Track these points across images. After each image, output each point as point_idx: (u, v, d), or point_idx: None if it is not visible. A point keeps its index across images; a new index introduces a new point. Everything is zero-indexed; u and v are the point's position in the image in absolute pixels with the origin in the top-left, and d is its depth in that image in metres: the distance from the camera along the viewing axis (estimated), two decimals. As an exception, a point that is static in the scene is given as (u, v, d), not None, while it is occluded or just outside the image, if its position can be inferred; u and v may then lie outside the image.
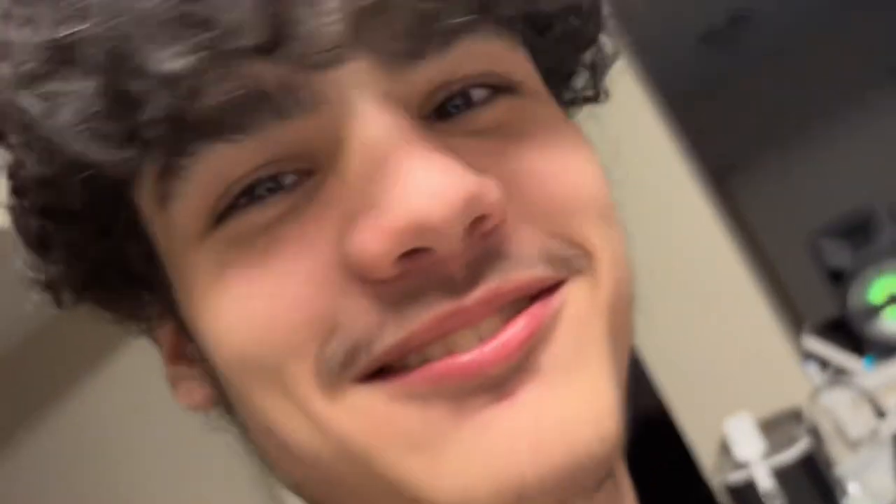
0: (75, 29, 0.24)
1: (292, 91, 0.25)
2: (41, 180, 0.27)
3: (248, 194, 0.27)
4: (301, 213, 0.26)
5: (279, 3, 0.23)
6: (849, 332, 1.87)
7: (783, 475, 1.57)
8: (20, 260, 0.32)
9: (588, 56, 0.35)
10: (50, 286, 0.32)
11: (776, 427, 1.73)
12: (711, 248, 1.90)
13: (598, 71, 0.36)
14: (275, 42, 0.23)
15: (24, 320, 1.91)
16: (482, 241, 0.25)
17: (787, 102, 2.99)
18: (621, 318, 0.29)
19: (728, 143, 2.93)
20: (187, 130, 0.25)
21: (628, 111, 1.94)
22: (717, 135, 2.68)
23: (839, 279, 1.85)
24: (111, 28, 0.23)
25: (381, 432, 0.26)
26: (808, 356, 1.89)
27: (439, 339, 0.26)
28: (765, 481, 1.57)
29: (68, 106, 0.24)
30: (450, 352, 0.26)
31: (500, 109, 0.29)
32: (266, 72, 0.24)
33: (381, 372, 0.26)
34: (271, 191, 0.27)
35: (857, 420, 1.77)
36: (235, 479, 2.01)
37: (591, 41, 0.34)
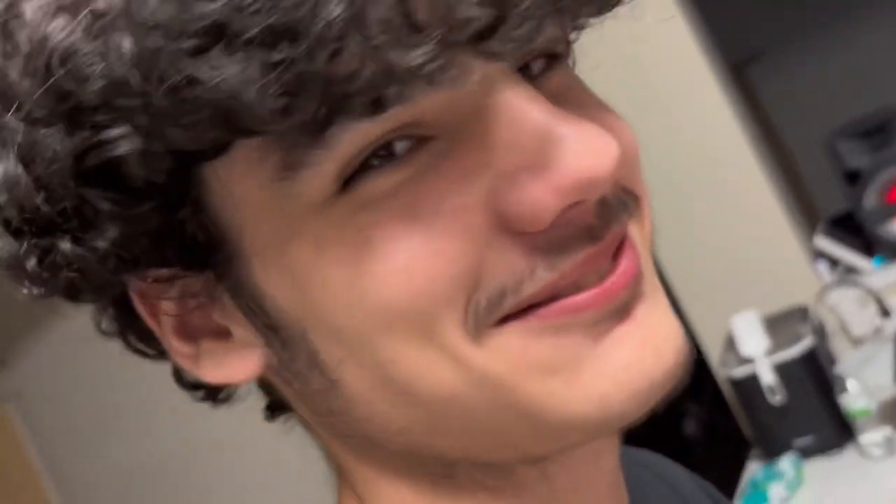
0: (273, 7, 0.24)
1: (447, 69, 0.26)
2: (142, 154, 0.26)
3: (377, 156, 0.28)
4: (436, 174, 0.29)
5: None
6: (860, 232, 1.89)
7: (786, 371, 1.63)
8: None
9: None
10: (49, 270, 0.30)
11: (783, 324, 1.77)
12: (727, 143, 1.90)
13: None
14: (494, 29, 0.26)
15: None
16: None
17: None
18: (653, 249, 0.35)
19: (748, 35, 2.86)
20: (370, 111, 0.26)
21: (646, 2, 1.90)
22: (737, 26, 2.61)
23: (855, 180, 1.86)
24: (329, 24, 0.24)
25: (520, 364, 0.30)
26: (819, 255, 1.92)
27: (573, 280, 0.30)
28: (767, 376, 1.63)
29: (256, 80, 0.24)
30: (579, 289, 0.30)
31: (558, 78, 0.32)
32: (458, 58, 0.26)
33: (517, 313, 0.30)
34: (386, 157, 0.28)
35: (861, 318, 1.82)
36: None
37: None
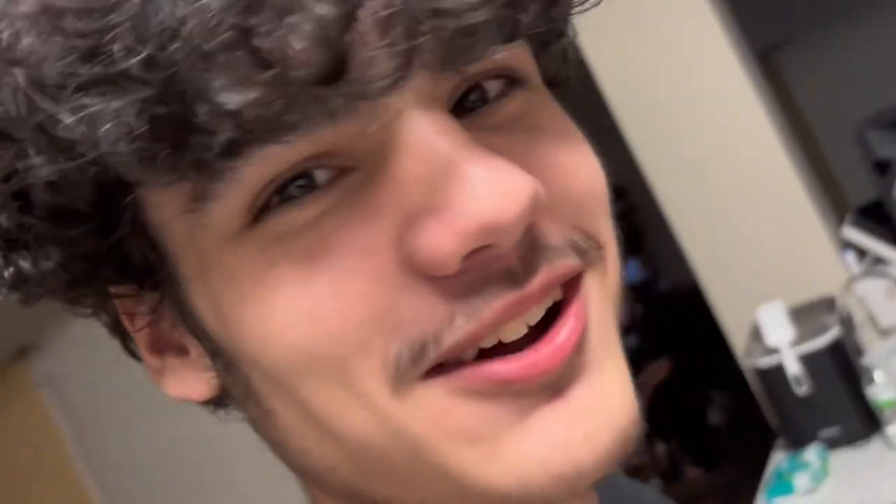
0: (127, 55, 0.23)
1: (349, 103, 0.25)
2: (52, 184, 0.26)
3: (282, 192, 0.27)
4: (348, 211, 0.27)
5: (336, 38, 0.23)
6: (889, 222, 1.88)
7: (812, 361, 1.63)
8: None
9: (561, 45, 0.36)
10: (20, 283, 0.31)
11: (809, 314, 1.77)
12: (755, 131, 1.89)
13: (567, 57, 0.37)
14: (334, 74, 0.24)
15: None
16: (527, 233, 0.27)
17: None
18: (619, 306, 0.32)
19: (777, 21, 2.84)
20: (239, 143, 0.25)
21: (679, -6, 1.90)
22: (765, 12, 2.59)
23: (885, 170, 1.84)
24: (167, 56, 0.23)
25: (441, 426, 0.28)
26: (846, 245, 1.91)
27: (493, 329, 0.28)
28: (793, 367, 1.63)
29: (110, 124, 0.24)
30: (499, 341, 0.28)
31: (514, 103, 0.30)
32: (325, 94, 0.25)
33: (441, 367, 0.28)
34: (304, 189, 0.27)
35: (889, 309, 1.81)
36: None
37: (564, 31, 0.35)
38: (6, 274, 0.31)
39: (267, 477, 2.39)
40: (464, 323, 0.27)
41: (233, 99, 0.23)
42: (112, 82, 0.23)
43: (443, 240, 0.26)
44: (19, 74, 0.24)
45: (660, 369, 3.45)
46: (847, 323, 1.76)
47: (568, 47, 0.37)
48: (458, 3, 0.25)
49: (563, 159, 0.30)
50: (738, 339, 1.95)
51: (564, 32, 0.35)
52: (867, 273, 1.85)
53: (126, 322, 0.33)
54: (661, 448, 3.40)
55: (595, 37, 1.96)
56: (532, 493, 0.28)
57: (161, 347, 0.34)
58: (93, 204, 0.28)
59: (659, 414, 3.38)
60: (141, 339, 0.34)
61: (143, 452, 2.59)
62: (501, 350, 0.28)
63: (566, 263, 0.29)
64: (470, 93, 0.29)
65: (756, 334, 1.78)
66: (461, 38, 0.25)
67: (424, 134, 0.26)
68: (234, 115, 0.23)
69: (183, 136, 0.24)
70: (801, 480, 1.56)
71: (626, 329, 3.98)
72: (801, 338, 1.66)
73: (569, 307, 0.29)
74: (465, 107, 0.29)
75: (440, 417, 0.28)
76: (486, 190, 0.25)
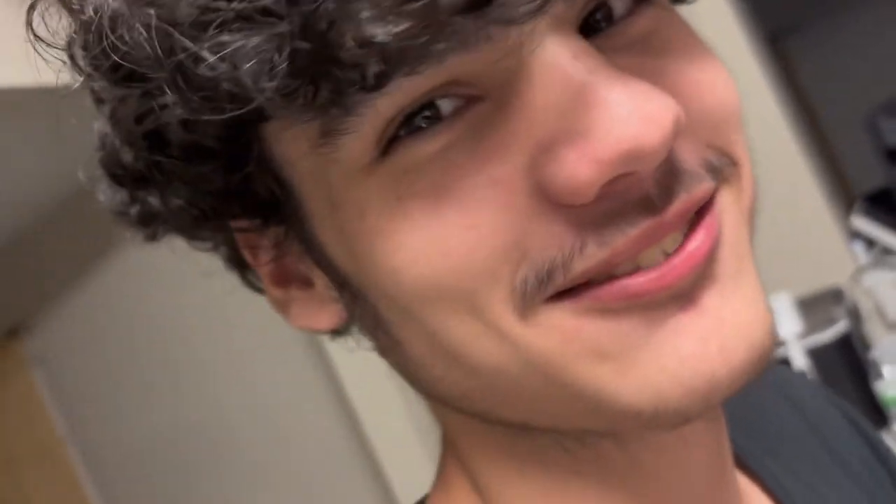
0: None
1: (483, 27, 0.25)
2: (185, 122, 0.27)
3: (409, 124, 0.27)
4: (476, 141, 0.27)
5: None
6: (899, 212, 1.84)
7: (819, 354, 1.60)
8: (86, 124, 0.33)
9: None
10: (147, 219, 0.32)
11: (816, 306, 1.73)
12: (763, 118, 1.85)
13: None
14: (484, 1, 0.23)
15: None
16: (666, 158, 0.26)
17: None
18: (754, 222, 0.32)
19: (787, 6, 2.79)
20: (385, 74, 0.24)
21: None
22: None
23: (895, 158, 1.80)
24: None
25: (571, 345, 0.28)
26: (855, 235, 1.88)
27: (630, 257, 0.27)
28: (799, 360, 1.59)
29: (253, 61, 0.23)
30: (637, 267, 0.27)
31: (642, 21, 0.29)
32: (472, 24, 0.24)
33: (571, 290, 0.28)
34: (431, 119, 0.27)
35: (898, 302, 1.77)
36: (283, 339, 2.09)
37: None
38: (132, 211, 0.32)
39: (261, 458, 2.37)
40: (596, 250, 0.27)
41: (381, 30, 0.22)
42: (252, 19, 0.23)
43: (581, 168, 0.25)
44: (155, 14, 0.24)
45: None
46: (855, 315, 1.73)
47: None
48: None
49: (696, 76, 0.29)
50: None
51: None
52: (875, 263, 1.81)
53: (248, 256, 0.34)
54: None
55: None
56: (667, 407, 0.28)
57: (285, 280, 0.34)
58: (223, 141, 0.28)
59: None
60: (264, 272, 0.34)
61: (136, 434, 2.57)
62: (637, 269, 0.28)
63: (703, 188, 0.28)
64: (596, 12, 0.28)
65: (761, 326, 1.75)
66: None
67: (558, 59, 0.25)
68: (382, 47, 0.23)
69: (326, 71, 0.23)
70: (805, 476, 1.53)
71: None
72: (808, 330, 1.63)
73: (701, 221, 0.28)
74: (592, 27, 0.28)
75: (570, 337, 0.28)
76: (627, 115, 0.24)
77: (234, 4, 0.23)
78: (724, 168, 0.29)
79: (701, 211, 0.29)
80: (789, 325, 1.64)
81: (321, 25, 0.23)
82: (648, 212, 0.27)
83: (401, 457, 2.04)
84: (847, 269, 1.83)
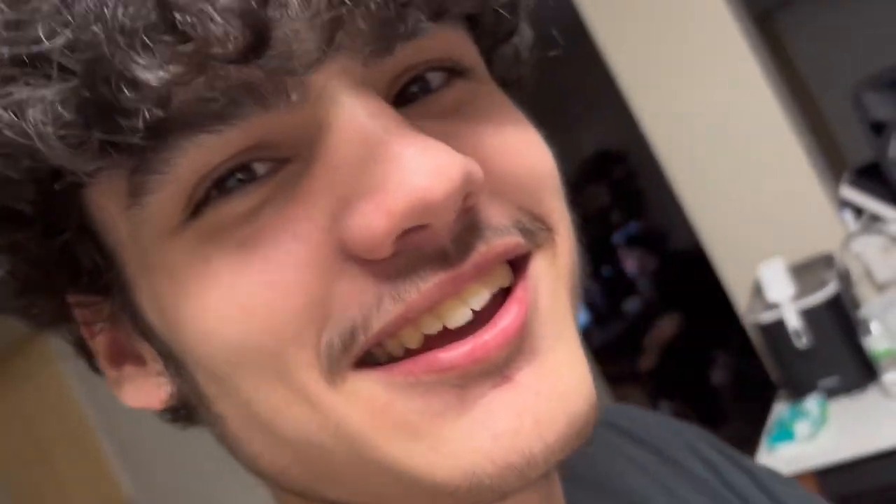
0: (50, 36, 0.23)
1: (277, 85, 0.25)
2: None
3: (221, 185, 0.26)
4: (283, 200, 0.27)
5: (256, 11, 0.23)
6: (885, 182, 1.93)
7: (811, 316, 1.69)
8: None
9: (511, 44, 0.36)
10: None
11: (809, 270, 1.83)
12: (753, 91, 1.93)
13: (520, 58, 0.37)
14: (255, 49, 0.23)
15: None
16: (465, 214, 0.27)
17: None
18: (575, 285, 0.32)
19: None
20: (168, 129, 0.24)
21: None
22: None
23: (881, 131, 1.89)
24: (89, 37, 0.23)
25: (382, 420, 0.27)
26: (844, 204, 1.97)
27: (431, 311, 0.27)
28: (793, 321, 1.69)
29: (38, 112, 0.23)
30: (443, 325, 0.28)
31: (456, 92, 0.30)
32: (249, 72, 0.24)
33: (379, 362, 0.28)
34: (243, 181, 0.27)
35: (885, 264, 1.87)
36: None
37: (513, 30, 0.35)
38: None
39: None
40: (391, 306, 0.26)
41: (154, 76, 0.23)
42: (37, 70, 0.23)
43: (374, 220, 0.25)
44: None
45: (667, 327, 3.53)
46: (845, 278, 1.83)
47: (521, 48, 0.36)
48: None
49: (506, 143, 0.30)
50: (740, 297, 2.01)
51: (514, 32, 0.35)
52: (864, 230, 1.90)
53: (85, 333, 0.33)
54: (665, 407, 3.48)
55: (595, 2, 2.00)
56: (482, 485, 0.27)
57: (119, 358, 0.33)
58: (34, 204, 0.27)
59: (664, 373, 3.45)
60: (100, 350, 0.33)
61: (165, 426, 2.63)
62: (448, 339, 0.27)
63: (505, 242, 0.28)
64: (411, 84, 0.29)
65: (757, 291, 1.85)
66: (385, 11, 0.25)
67: (355, 116, 0.26)
68: (157, 93, 0.23)
69: (111, 120, 0.23)
70: (801, 428, 1.64)
71: (639, 279, 4.04)
72: (801, 293, 1.72)
73: (512, 295, 0.29)
74: (407, 98, 0.29)
75: (380, 411, 0.27)
76: (417, 168, 0.25)
77: (17, 49, 0.23)
78: (536, 232, 0.29)
79: (515, 280, 0.29)
80: (783, 289, 1.74)
81: (102, 73, 0.23)
82: (443, 265, 0.27)
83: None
84: (838, 237, 1.92)
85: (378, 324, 0.27)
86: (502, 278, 0.29)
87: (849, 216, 1.94)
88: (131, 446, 2.85)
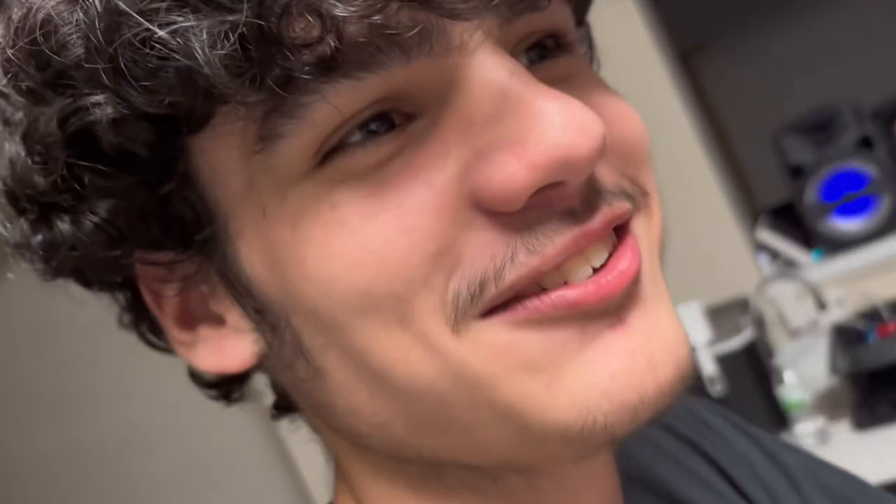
0: None
1: (422, 34, 0.25)
2: (115, 122, 0.26)
3: (354, 134, 0.27)
4: (414, 151, 0.27)
5: None
6: (801, 226, 1.93)
7: (726, 362, 1.66)
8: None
9: (586, 28, 0.40)
10: (51, 250, 0.30)
11: (724, 315, 1.80)
12: (674, 132, 1.91)
13: (591, 42, 0.41)
14: None
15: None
16: (590, 176, 0.28)
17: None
18: (662, 251, 0.34)
19: (697, 22, 2.89)
20: (328, 56, 0.24)
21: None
22: (686, 13, 2.63)
23: (798, 175, 1.89)
24: None
25: (503, 360, 0.28)
26: (760, 247, 1.96)
27: (558, 267, 0.28)
28: (708, 366, 1.65)
29: (204, 39, 0.23)
30: (565, 281, 0.28)
31: (565, 64, 0.31)
32: (409, 15, 0.25)
33: (504, 304, 0.28)
34: (374, 133, 0.27)
35: (799, 311, 1.86)
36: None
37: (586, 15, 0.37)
38: (35, 241, 0.30)
39: (170, 476, 2.31)
40: (526, 258, 0.27)
41: (343, 8, 0.23)
42: (204, 4, 0.23)
43: (516, 172, 0.26)
44: (98, 2, 0.24)
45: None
46: (760, 324, 1.80)
47: (589, 29, 0.40)
48: None
49: (616, 109, 0.31)
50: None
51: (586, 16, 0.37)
52: (779, 275, 1.90)
53: (150, 299, 0.33)
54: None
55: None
56: (595, 424, 0.28)
57: (191, 320, 0.33)
58: (152, 148, 0.27)
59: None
60: (168, 314, 0.33)
61: (45, 451, 2.48)
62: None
63: (622, 205, 0.29)
64: (530, 51, 0.30)
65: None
66: None
67: (496, 72, 0.26)
68: (339, 26, 0.23)
69: (277, 52, 0.24)
70: (713, 479, 1.59)
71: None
72: (717, 338, 1.69)
73: (624, 242, 0.30)
74: (526, 61, 0.30)
75: (502, 352, 0.28)
76: (562, 124, 0.25)
77: None
78: (636, 197, 0.31)
79: (621, 235, 0.30)
80: (699, 334, 1.70)
81: (277, 7, 0.23)
82: (574, 221, 0.27)
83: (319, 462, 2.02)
84: (753, 280, 1.91)
85: (512, 275, 0.27)
86: (612, 239, 0.30)
87: (764, 260, 1.93)
88: (3, 474, 2.66)
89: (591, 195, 0.28)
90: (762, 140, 2.05)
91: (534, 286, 0.28)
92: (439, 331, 0.27)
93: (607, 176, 0.29)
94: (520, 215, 0.27)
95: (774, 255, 1.96)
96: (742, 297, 1.87)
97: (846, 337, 1.60)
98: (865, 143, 1.81)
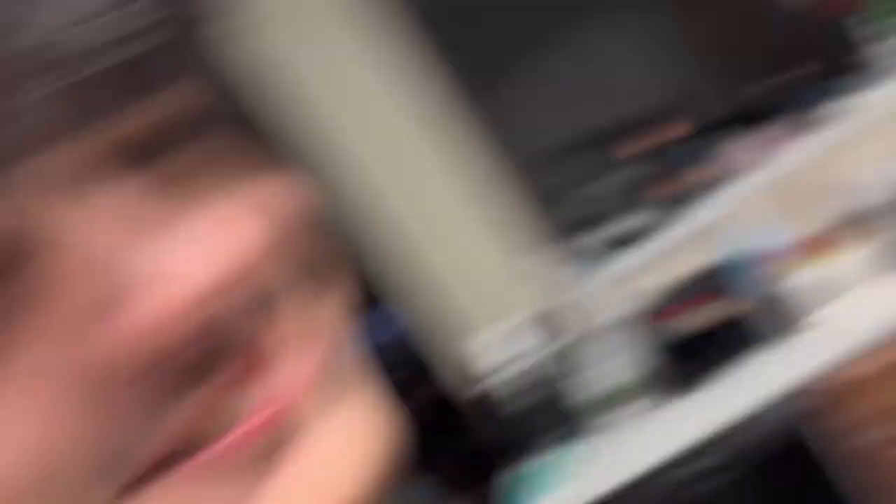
0: None
1: None
2: None
3: None
4: (5, 325, 0.23)
5: None
6: (570, 245, 2.05)
7: (522, 382, 1.73)
8: None
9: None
10: None
11: (517, 335, 1.87)
12: (450, 162, 1.99)
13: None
14: None
15: None
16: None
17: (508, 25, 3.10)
18: (351, 324, 0.31)
19: (479, 57, 2.99)
20: None
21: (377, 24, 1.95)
22: (468, 44, 2.72)
23: (561, 198, 2.03)
24: None
25: None
26: (542, 266, 2.05)
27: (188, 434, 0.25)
28: (504, 388, 1.71)
29: None
30: (212, 433, 0.25)
31: (182, 158, 0.27)
32: None
33: (156, 471, 0.25)
34: None
35: (590, 317, 1.96)
36: None
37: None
38: None
39: None
40: (154, 428, 0.24)
41: None
42: None
43: (108, 344, 0.22)
44: None
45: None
46: (550, 338, 1.89)
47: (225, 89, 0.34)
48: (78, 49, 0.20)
49: (256, 200, 0.26)
50: (449, 375, 2.00)
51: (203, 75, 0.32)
52: (563, 294, 1.98)
53: None
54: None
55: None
56: None
57: None
58: None
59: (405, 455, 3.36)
60: None
61: None
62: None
63: (260, 333, 0.25)
64: (147, 139, 0.25)
65: (465, 366, 1.85)
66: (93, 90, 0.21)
67: (75, 224, 0.22)
68: None
69: None
70: (523, 491, 1.65)
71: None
72: (511, 359, 1.75)
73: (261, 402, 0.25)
74: (145, 153, 0.25)
75: None
76: (149, 285, 0.22)
77: None
78: (296, 289, 0.27)
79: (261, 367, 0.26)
80: (492, 358, 1.76)
81: None
82: (200, 380, 0.24)
83: None
84: (536, 302, 1.97)
85: (147, 447, 0.24)
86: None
87: (548, 280, 2.02)
88: None
89: (216, 340, 0.24)
90: (538, 162, 2.16)
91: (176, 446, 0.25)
92: None
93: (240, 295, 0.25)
94: (142, 382, 0.24)
95: (554, 273, 2.06)
96: (530, 318, 1.93)
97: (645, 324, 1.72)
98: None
